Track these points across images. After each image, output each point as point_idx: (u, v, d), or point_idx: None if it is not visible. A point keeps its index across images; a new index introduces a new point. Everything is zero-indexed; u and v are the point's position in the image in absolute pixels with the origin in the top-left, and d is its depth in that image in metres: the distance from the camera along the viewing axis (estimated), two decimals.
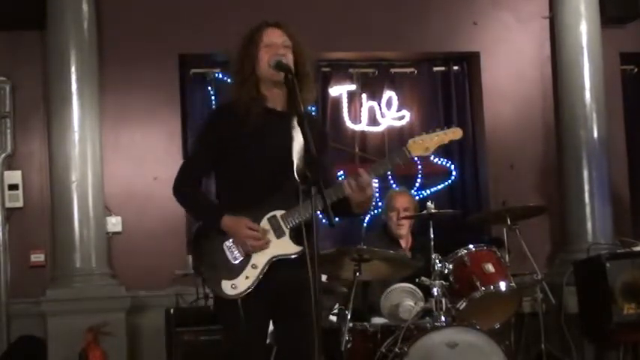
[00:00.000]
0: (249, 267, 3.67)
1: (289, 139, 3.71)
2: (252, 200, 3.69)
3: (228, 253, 3.70)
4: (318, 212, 3.47)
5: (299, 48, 3.77)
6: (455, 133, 3.90)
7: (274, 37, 3.76)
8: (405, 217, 5.82)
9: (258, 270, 3.67)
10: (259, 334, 3.75)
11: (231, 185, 3.78)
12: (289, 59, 3.70)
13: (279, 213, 3.68)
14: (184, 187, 3.84)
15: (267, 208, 3.69)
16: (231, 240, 3.69)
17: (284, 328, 3.78)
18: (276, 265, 3.68)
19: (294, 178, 3.67)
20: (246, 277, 3.66)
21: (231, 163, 3.75)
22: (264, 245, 3.67)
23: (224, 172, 3.81)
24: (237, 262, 3.68)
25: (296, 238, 3.68)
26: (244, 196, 3.70)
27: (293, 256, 3.67)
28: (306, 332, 3.52)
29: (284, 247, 3.68)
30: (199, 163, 3.87)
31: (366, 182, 3.65)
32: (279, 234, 3.68)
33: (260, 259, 3.68)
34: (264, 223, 3.68)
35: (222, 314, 3.80)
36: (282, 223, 3.68)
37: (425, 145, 3.78)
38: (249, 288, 3.66)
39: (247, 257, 3.68)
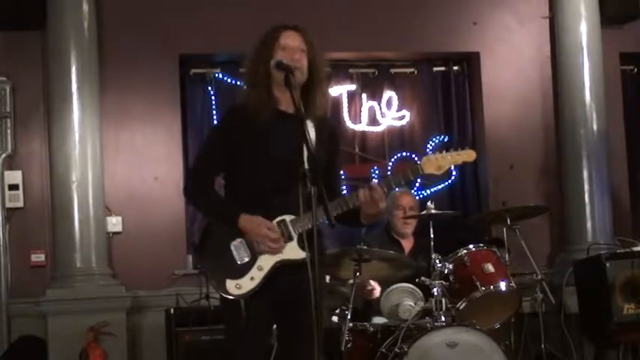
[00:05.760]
0: (254, 268, 3.68)
1: (299, 142, 3.66)
2: (261, 203, 3.68)
3: (234, 253, 3.70)
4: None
5: (314, 53, 3.76)
6: (469, 155, 3.91)
7: (290, 40, 3.74)
8: (412, 217, 5.84)
9: (264, 272, 3.67)
10: (261, 335, 3.75)
11: (241, 188, 3.77)
12: (303, 64, 3.70)
13: (288, 218, 3.68)
14: (199, 189, 3.82)
15: (276, 211, 3.69)
16: (238, 240, 3.69)
17: (287, 330, 3.79)
18: (281, 268, 3.68)
19: (305, 181, 3.66)
20: (252, 279, 3.67)
21: (241, 165, 3.74)
22: (278, 250, 3.67)
23: (234, 175, 3.80)
24: (243, 262, 3.69)
25: (303, 243, 3.66)
26: (253, 199, 3.70)
27: (298, 261, 3.66)
28: (310, 335, 3.53)
29: (291, 252, 3.68)
30: (211, 164, 3.84)
31: (379, 196, 3.65)
32: (287, 238, 3.68)
33: (267, 262, 3.68)
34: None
35: (225, 313, 3.81)
36: (291, 228, 3.68)
37: (438, 163, 3.80)
38: (253, 289, 3.66)
39: (253, 259, 3.69)
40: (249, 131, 3.70)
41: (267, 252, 3.67)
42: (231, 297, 3.66)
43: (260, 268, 3.67)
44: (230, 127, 3.78)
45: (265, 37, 3.76)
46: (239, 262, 3.69)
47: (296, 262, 3.65)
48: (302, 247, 3.66)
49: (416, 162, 3.83)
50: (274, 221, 3.68)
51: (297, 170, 3.63)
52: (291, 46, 3.72)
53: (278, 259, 3.68)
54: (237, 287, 3.66)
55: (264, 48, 3.73)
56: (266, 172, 3.69)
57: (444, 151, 3.85)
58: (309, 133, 3.50)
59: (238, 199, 3.75)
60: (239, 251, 3.70)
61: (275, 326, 3.85)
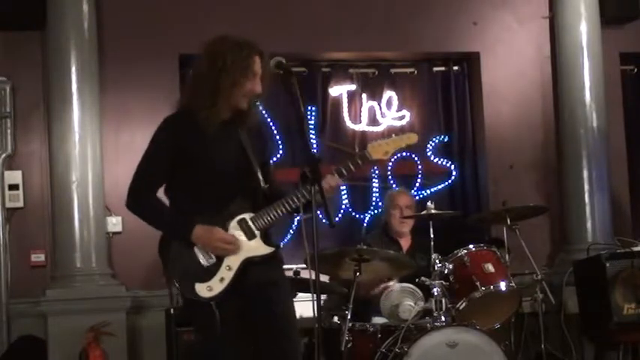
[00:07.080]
0: (223, 269, 3.74)
1: (242, 145, 3.83)
2: (216, 206, 3.77)
3: (200, 256, 3.76)
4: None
5: (265, 75, 3.85)
6: (410, 138, 4.06)
7: (259, 67, 3.82)
8: (410, 217, 5.85)
9: (233, 271, 3.74)
10: (234, 335, 3.77)
11: (194, 192, 3.82)
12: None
13: (248, 216, 3.78)
14: (144, 197, 3.87)
15: (235, 211, 3.78)
16: None
17: (261, 327, 3.81)
18: (249, 265, 3.76)
19: (256, 181, 3.81)
20: (221, 279, 3.73)
21: (192, 171, 3.80)
22: (236, 250, 3.74)
23: (184, 180, 3.84)
24: (210, 264, 3.75)
25: (267, 239, 3.81)
26: (208, 203, 3.77)
27: (265, 256, 3.79)
28: (284, 332, 3.72)
29: (256, 248, 3.78)
30: (158, 172, 3.89)
31: (335, 183, 3.84)
32: (249, 236, 3.78)
33: (234, 261, 3.75)
34: (234, 225, 3.78)
35: (195, 317, 3.85)
36: (252, 226, 3.78)
37: (383, 149, 3.97)
38: (225, 289, 3.71)
39: (220, 259, 3.75)
40: (199, 138, 3.77)
41: (227, 254, 3.74)
42: (203, 300, 3.70)
43: (229, 268, 3.74)
44: (179, 133, 3.85)
45: (237, 56, 3.76)
46: (206, 264, 3.74)
47: (263, 258, 3.77)
48: (266, 243, 3.80)
49: (363, 149, 3.98)
50: (234, 220, 3.77)
51: (248, 171, 3.79)
52: (258, 74, 3.81)
53: (245, 257, 3.76)
54: (209, 289, 3.72)
55: (234, 67, 3.75)
56: (220, 176, 3.78)
57: (387, 137, 4.00)
58: (308, 136, 3.57)
59: (191, 204, 3.80)
60: (204, 253, 3.76)
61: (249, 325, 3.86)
